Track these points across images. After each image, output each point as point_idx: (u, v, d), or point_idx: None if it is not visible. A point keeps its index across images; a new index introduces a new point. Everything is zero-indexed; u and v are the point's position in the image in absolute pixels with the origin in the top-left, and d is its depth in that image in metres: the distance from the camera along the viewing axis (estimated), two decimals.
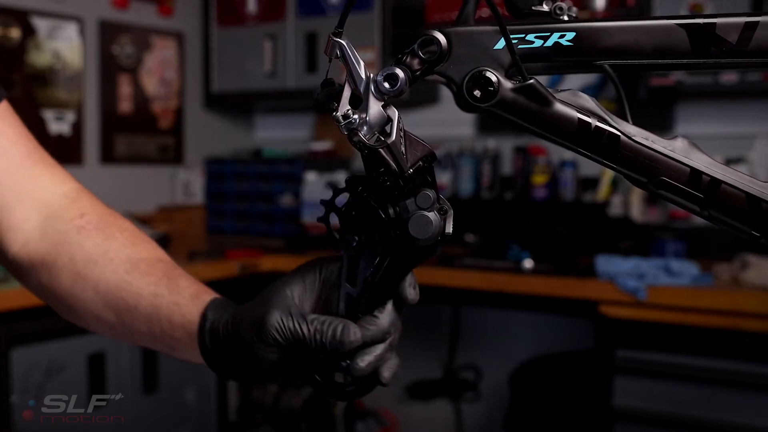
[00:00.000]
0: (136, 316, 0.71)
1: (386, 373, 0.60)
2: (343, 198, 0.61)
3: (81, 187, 0.81)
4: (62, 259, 0.74)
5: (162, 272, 0.72)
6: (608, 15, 2.63)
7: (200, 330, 0.67)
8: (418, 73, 0.59)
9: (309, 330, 0.59)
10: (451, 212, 0.60)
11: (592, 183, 2.87)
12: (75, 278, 0.73)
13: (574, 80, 2.73)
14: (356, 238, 0.61)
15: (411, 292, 0.62)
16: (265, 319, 0.60)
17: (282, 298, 0.61)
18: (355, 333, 0.59)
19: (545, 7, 0.64)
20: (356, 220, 0.60)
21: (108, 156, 3.17)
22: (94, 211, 0.78)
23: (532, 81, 0.57)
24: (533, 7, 0.64)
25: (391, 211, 0.58)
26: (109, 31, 3.14)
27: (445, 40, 0.58)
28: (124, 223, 0.78)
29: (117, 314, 0.72)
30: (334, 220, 0.62)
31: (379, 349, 0.61)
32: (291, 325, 0.59)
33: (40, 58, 2.91)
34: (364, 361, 0.60)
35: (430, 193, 0.58)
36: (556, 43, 0.58)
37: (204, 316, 0.67)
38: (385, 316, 0.62)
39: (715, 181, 0.56)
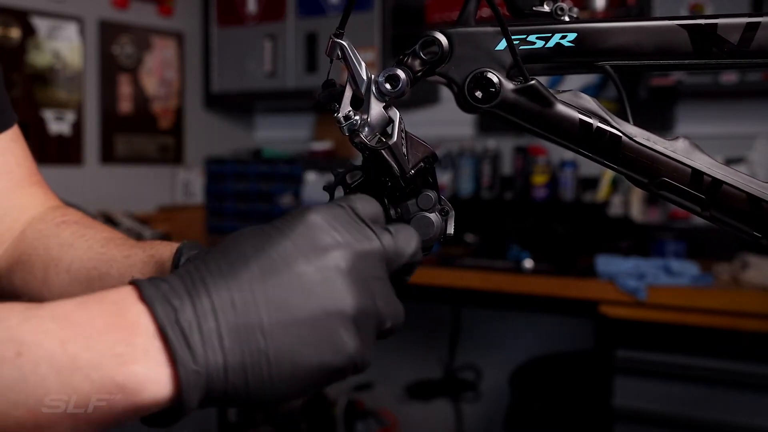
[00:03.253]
0: (107, 282, 0.68)
1: None
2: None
3: (69, 206, 0.83)
4: (38, 251, 0.74)
5: (138, 242, 0.71)
6: (608, 15, 2.63)
7: (174, 266, 0.63)
8: (419, 74, 0.59)
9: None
10: (452, 213, 0.60)
11: (592, 183, 2.87)
12: (48, 265, 0.73)
13: (575, 80, 2.73)
14: None
15: None
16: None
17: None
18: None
19: (546, 8, 0.64)
20: None
21: (108, 156, 3.17)
22: (77, 213, 0.79)
23: (533, 82, 0.57)
24: (534, 8, 0.64)
25: (392, 212, 0.59)
26: (109, 31, 3.14)
27: (446, 41, 0.58)
28: (106, 225, 0.79)
29: (88, 288, 0.69)
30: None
31: None
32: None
33: (40, 58, 2.91)
34: None
35: (432, 194, 0.58)
36: (558, 44, 0.58)
37: (179, 252, 0.64)
38: None
39: (717, 182, 0.56)
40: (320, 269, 0.45)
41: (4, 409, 0.38)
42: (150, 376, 0.40)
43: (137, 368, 0.40)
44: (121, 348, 0.40)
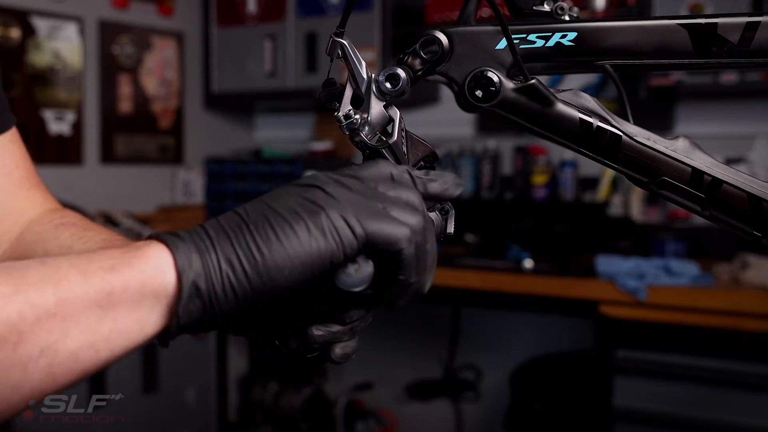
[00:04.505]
0: None
1: (338, 350, 0.61)
2: None
3: (66, 208, 0.83)
4: (36, 254, 0.74)
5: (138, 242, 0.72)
6: (608, 15, 2.63)
7: None
8: (419, 73, 0.59)
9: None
10: (452, 213, 0.60)
11: (592, 183, 2.87)
12: None
13: (575, 80, 2.73)
14: None
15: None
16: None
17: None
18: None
19: (546, 7, 0.64)
20: None
21: (108, 156, 3.17)
22: (75, 216, 0.79)
23: (533, 81, 0.57)
24: (534, 7, 0.64)
25: None
26: (109, 31, 3.14)
27: (446, 40, 0.58)
28: (105, 228, 0.79)
29: None
30: None
31: (336, 327, 0.61)
32: None
33: (40, 58, 2.91)
34: (319, 330, 0.60)
35: None
36: (558, 43, 0.58)
37: None
38: None
39: (717, 181, 0.56)
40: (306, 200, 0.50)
41: (34, 300, 0.43)
42: (152, 257, 0.47)
43: (142, 252, 0.47)
44: (128, 249, 0.48)
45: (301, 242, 0.47)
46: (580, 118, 0.57)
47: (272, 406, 3.17)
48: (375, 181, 0.51)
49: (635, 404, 2.19)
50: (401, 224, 0.48)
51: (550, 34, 0.58)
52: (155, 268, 0.46)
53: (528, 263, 2.44)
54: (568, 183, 2.86)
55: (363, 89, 0.57)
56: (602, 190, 2.83)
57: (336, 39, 0.57)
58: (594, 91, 2.82)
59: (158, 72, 3.35)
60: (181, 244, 0.47)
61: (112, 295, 0.45)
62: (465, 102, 0.59)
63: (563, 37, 0.58)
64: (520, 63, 0.57)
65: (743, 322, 2.05)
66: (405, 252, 0.48)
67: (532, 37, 0.59)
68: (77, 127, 3.05)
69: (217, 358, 2.96)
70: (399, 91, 0.56)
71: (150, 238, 0.49)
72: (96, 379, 2.38)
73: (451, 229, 0.59)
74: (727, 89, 2.51)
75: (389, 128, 0.57)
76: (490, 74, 0.58)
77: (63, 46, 2.98)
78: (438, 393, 3.13)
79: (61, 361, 0.44)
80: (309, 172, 2.62)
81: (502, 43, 0.58)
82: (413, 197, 0.51)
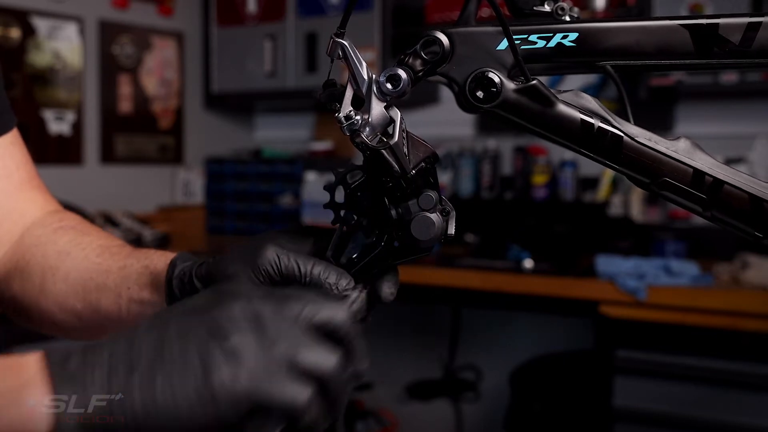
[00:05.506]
0: (104, 293, 0.69)
1: None
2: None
3: (67, 211, 0.82)
4: (36, 258, 0.74)
5: (133, 252, 0.71)
6: (608, 15, 2.63)
7: (168, 279, 0.65)
8: (420, 73, 0.58)
9: (305, 268, 0.58)
10: (453, 213, 0.59)
11: (592, 183, 2.87)
12: (46, 273, 0.73)
13: (575, 80, 2.72)
14: (355, 217, 0.61)
15: (386, 291, 0.61)
16: (260, 252, 0.59)
17: (276, 240, 0.61)
18: (349, 282, 0.59)
19: (547, 8, 0.63)
20: (360, 201, 0.60)
21: (108, 156, 3.17)
22: (75, 218, 0.79)
23: (534, 82, 0.57)
24: (535, 8, 0.64)
25: (393, 212, 0.58)
26: (109, 31, 3.14)
27: (447, 41, 0.58)
28: (104, 231, 0.79)
29: (85, 298, 0.70)
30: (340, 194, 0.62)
31: None
32: (287, 261, 0.58)
33: (40, 58, 2.90)
34: None
35: (433, 194, 0.58)
36: (559, 44, 0.58)
37: (173, 264, 0.65)
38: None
39: (718, 182, 0.56)
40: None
41: None
42: (31, 398, 0.46)
43: (24, 394, 0.46)
44: (14, 384, 0.46)
45: (184, 410, 0.46)
46: (582, 119, 0.57)
47: None
48: (303, 302, 0.50)
49: (635, 404, 2.19)
50: (303, 388, 0.47)
51: (551, 34, 0.58)
52: (30, 415, 0.45)
53: (528, 263, 2.44)
54: (568, 183, 2.86)
55: (364, 90, 0.56)
56: (602, 190, 2.83)
57: (336, 40, 0.56)
58: (594, 91, 2.82)
59: (158, 72, 3.35)
60: (62, 387, 0.46)
61: None
62: (466, 103, 0.59)
63: (564, 37, 0.58)
64: (522, 64, 0.57)
65: (743, 322, 2.05)
66: (302, 419, 0.48)
67: (533, 37, 0.58)
68: (77, 127, 3.04)
69: None
70: (400, 92, 0.56)
71: (45, 355, 0.47)
72: None
73: (452, 230, 0.59)
74: (727, 89, 2.51)
75: (390, 129, 0.57)
76: (491, 75, 0.57)
77: (63, 46, 2.98)
78: (438, 393, 3.13)
79: None
80: (309, 173, 2.61)
81: (503, 44, 0.58)
82: (340, 317, 0.52)
